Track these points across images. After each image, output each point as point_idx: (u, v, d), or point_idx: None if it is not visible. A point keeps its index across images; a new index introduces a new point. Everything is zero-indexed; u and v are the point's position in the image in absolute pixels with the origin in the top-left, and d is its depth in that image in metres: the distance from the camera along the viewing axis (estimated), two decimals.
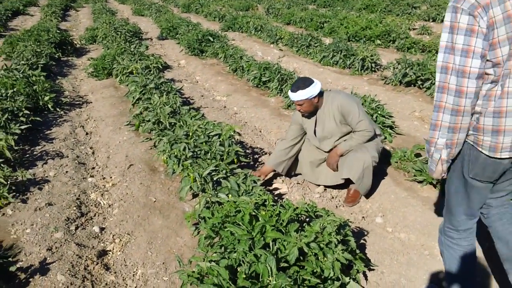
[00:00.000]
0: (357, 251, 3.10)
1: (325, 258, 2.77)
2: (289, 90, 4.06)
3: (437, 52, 9.53)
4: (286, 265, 2.71)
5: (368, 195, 4.29)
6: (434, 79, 7.04)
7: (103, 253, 3.61)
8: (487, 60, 2.12)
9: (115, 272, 3.39)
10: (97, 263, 3.45)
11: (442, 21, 12.69)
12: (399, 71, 7.83)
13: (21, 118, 5.77)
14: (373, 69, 8.90)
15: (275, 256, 2.64)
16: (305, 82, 3.98)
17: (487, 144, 2.25)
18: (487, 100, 2.21)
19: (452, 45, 2.11)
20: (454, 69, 2.12)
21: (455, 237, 2.64)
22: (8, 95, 6.15)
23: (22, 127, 5.44)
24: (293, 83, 4.07)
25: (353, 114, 3.98)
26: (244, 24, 14.05)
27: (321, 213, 3.25)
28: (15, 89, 6.40)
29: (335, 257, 2.77)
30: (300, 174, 4.63)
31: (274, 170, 4.50)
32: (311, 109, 4.11)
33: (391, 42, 11.18)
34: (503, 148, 2.23)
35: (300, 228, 2.96)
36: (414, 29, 13.08)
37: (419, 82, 7.48)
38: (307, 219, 3.35)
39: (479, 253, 3.32)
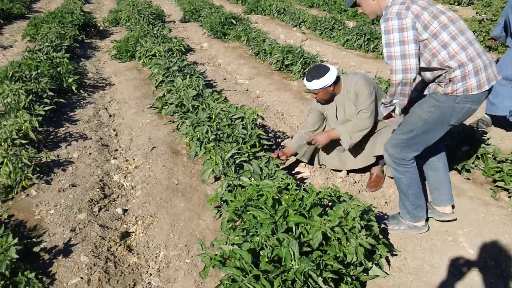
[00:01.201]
0: (380, 236, 3.07)
1: (348, 243, 2.74)
2: (304, 79, 4.01)
3: None
4: (308, 249, 2.70)
5: (390, 180, 4.23)
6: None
7: (126, 235, 3.64)
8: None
9: (138, 254, 3.42)
10: (120, 245, 3.48)
11: (468, 4, 12.43)
12: None
13: (45, 100, 5.82)
14: None
15: (297, 241, 2.62)
16: (320, 71, 3.91)
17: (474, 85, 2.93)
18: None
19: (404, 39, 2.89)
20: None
21: (410, 163, 3.31)
22: (32, 76, 6.20)
23: (46, 108, 5.48)
24: (308, 71, 4.00)
25: (362, 99, 3.89)
26: (267, 7, 13.92)
27: (344, 198, 3.22)
28: (39, 71, 6.45)
29: (358, 242, 2.75)
30: (324, 165, 4.56)
31: (296, 154, 4.46)
32: (327, 97, 4.05)
33: None
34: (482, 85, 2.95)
35: (323, 212, 2.93)
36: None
37: None
38: (330, 204, 3.33)
39: None
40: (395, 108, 3.20)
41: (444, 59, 2.90)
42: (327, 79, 3.87)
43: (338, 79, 4.01)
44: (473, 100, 2.97)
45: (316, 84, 3.89)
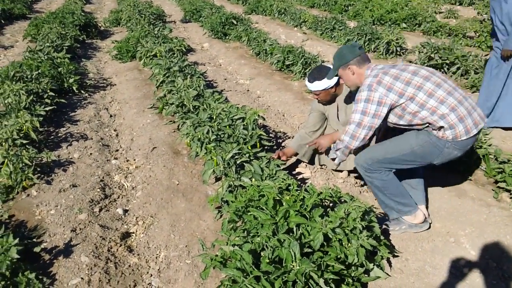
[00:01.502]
0: (382, 237, 3.06)
1: (349, 244, 2.73)
2: (306, 80, 4.01)
3: (464, 36, 9.33)
4: (309, 250, 2.69)
5: None
6: (461, 64, 6.99)
7: (126, 235, 3.63)
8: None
9: (138, 254, 3.41)
10: (121, 245, 3.48)
11: (469, 4, 12.41)
12: (424, 54, 7.69)
13: (46, 100, 5.82)
14: (398, 53, 8.76)
15: (298, 241, 2.61)
16: (322, 72, 3.89)
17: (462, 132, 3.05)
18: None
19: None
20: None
21: (378, 172, 3.35)
22: (33, 76, 6.20)
23: (47, 108, 5.48)
24: (310, 72, 4.01)
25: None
26: (267, 7, 13.93)
27: (345, 199, 3.21)
28: (40, 71, 6.45)
29: (359, 243, 2.74)
30: (325, 165, 4.55)
31: (297, 154, 4.45)
32: (328, 98, 4.05)
33: (417, 25, 10.98)
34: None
35: (324, 213, 2.93)
36: (440, 12, 12.83)
37: (445, 66, 7.34)
38: (331, 205, 3.32)
39: None
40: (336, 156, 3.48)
41: (425, 116, 3.08)
42: (329, 81, 3.86)
43: (339, 80, 3.99)
44: (461, 146, 3.16)
45: (318, 85, 3.89)
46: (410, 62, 7.99)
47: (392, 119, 3.25)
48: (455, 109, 3.01)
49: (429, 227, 3.58)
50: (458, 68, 7.06)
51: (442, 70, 7.39)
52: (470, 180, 4.28)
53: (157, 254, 3.40)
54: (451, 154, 3.19)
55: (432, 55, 7.49)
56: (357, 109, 3.16)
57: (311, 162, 4.57)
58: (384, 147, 3.35)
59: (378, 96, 3.08)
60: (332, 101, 4.12)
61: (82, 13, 12.10)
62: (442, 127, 3.06)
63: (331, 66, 3.93)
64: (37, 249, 3.27)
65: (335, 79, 3.85)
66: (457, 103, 3.03)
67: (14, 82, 5.86)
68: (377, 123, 3.15)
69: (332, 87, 3.93)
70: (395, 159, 3.28)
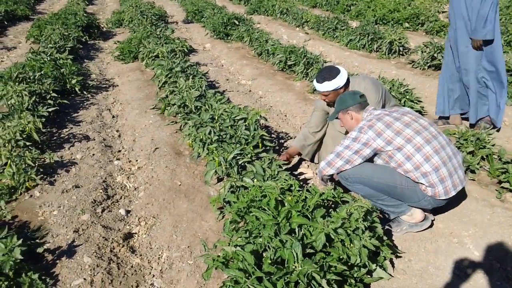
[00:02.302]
0: (384, 238, 3.06)
1: (351, 245, 2.73)
2: (315, 80, 3.97)
3: None
4: (312, 251, 2.68)
5: None
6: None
7: (128, 236, 3.63)
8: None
9: (141, 255, 3.41)
10: (123, 246, 3.48)
11: None
12: (427, 54, 7.67)
13: (49, 101, 5.83)
14: (400, 52, 8.74)
15: (301, 242, 2.61)
16: (332, 73, 3.87)
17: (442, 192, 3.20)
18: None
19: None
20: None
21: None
22: (36, 77, 6.21)
23: (50, 109, 5.48)
24: (318, 72, 3.97)
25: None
26: (269, 7, 13.92)
27: (347, 199, 3.22)
28: (42, 72, 6.46)
29: (362, 244, 2.73)
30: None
31: (300, 154, 4.45)
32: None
33: (420, 25, 10.94)
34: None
35: (326, 214, 2.92)
36: (443, 12, 12.77)
37: None
38: (333, 205, 3.31)
39: None
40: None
41: (409, 169, 3.20)
42: (338, 81, 3.84)
43: (348, 81, 3.98)
44: (438, 203, 3.34)
45: (327, 86, 3.86)
46: (413, 61, 7.97)
47: (380, 163, 3.41)
48: (437, 169, 3.15)
49: (432, 225, 3.57)
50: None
51: None
52: (474, 180, 4.26)
53: (159, 255, 3.40)
54: (429, 205, 3.35)
55: (435, 55, 7.47)
56: (342, 143, 3.36)
57: (312, 160, 4.58)
58: (373, 169, 3.38)
59: (366, 138, 3.25)
60: None
61: (85, 14, 12.13)
62: (421, 184, 3.22)
63: (339, 67, 3.93)
64: (40, 250, 3.28)
65: (344, 78, 3.87)
66: (441, 163, 3.15)
67: (17, 83, 5.87)
68: (357, 160, 3.31)
69: (341, 88, 3.89)
70: (378, 183, 3.33)
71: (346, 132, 3.82)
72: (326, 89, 3.88)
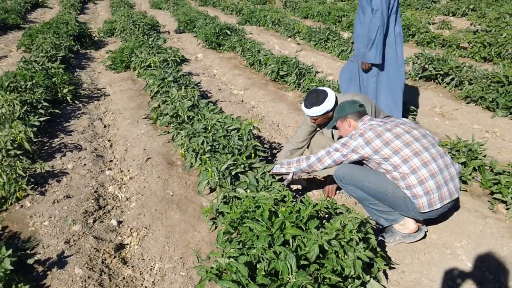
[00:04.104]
0: (378, 249, 3.05)
1: (346, 256, 2.72)
2: (303, 105, 3.97)
3: (457, 47, 9.36)
4: (306, 262, 2.67)
5: None
6: (455, 74, 7.02)
7: (120, 247, 3.60)
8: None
9: (133, 266, 3.38)
10: (115, 257, 3.44)
11: (463, 15, 12.44)
12: (418, 65, 7.72)
13: (40, 110, 5.79)
14: None
15: (294, 253, 2.60)
16: (319, 98, 3.86)
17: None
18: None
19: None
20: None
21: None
22: (27, 87, 6.17)
23: (41, 119, 5.44)
24: (306, 97, 3.96)
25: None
26: (261, 17, 13.97)
27: (341, 210, 3.21)
28: (34, 81, 6.42)
29: (356, 255, 2.73)
30: (318, 176, 4.54)
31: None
32: (326, 121, 4.01)
33: (411, 36, 11.01)
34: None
35: (320, 225, 2.91)
36: (434, 23, 12.89)
37: (439, 77, 7.37)
38: (327, 216, 3.31)
39: None
40: (291, 173, 3.82)
41: (397, 178, 3.27)
42: (326, 106, 3.85)
43: (336, 103, 3.95)
44: (431, 215, 3.36)
45: (316, 111, 3.86)
46: (405, 72, 7.99)
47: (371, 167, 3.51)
48: (423, 182, 3.18)
49: (425, 236, 3.57)
50: (452, 79, 7.09)
51: (436, 81, 7.42)
52: (466, 191, 4.28)
53: (151, 266, 3.37)
54: (417, 217, 3.40)
55: (426, 66, 7.52)
56: (333, 146, 3.49)
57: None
58: (367, 173, 3.45)
59: (355, 145, 3.37)
60: (328, 122, 4.07)
61: (76, 23, 12.09)
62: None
63: (326, 89, 3.93)
64: (30, 261, 3.23)
65: (332, 102, 3.87)
66: (429, 175, 3.18)
67: (8, 92, 5.83)
68: (343, 162, 3.49)
69: (330, 111, 3.90)
70: (370, 188, 3.41)
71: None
72: (315, 114, 3.90)
